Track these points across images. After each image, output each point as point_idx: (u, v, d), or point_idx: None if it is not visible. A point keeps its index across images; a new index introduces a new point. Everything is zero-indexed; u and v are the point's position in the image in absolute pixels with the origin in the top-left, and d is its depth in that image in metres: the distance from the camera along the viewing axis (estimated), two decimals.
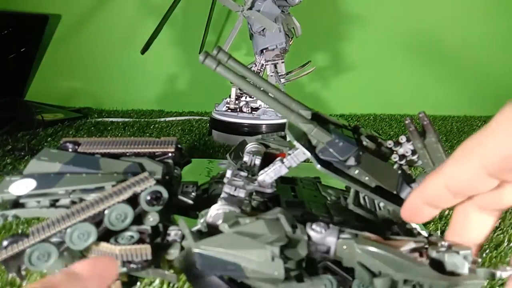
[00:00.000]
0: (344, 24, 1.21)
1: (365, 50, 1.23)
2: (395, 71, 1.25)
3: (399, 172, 0.31)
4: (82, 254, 0.31)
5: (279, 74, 0.89)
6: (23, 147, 0.78)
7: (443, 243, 0.25)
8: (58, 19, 1.17)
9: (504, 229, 0.57)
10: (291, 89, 0.80)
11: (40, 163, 0.34)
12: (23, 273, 0.30)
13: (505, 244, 0.53)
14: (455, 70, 1.25)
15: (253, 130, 0.89)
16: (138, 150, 0.37)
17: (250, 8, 0.84)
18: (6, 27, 1.06)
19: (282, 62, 0.89)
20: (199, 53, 0.36)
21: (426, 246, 0.25)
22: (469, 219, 0.25)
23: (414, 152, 0.31)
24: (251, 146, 0.42)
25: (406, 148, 0.31)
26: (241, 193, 0.32)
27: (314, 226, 0.27)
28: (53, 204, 0.33)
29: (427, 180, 0.25)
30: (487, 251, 0.51)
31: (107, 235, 0.31)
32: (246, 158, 0.39)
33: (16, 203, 0.32)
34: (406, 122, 0.29)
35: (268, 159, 0.38)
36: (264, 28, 0.84)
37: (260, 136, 0.44)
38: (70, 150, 0.36)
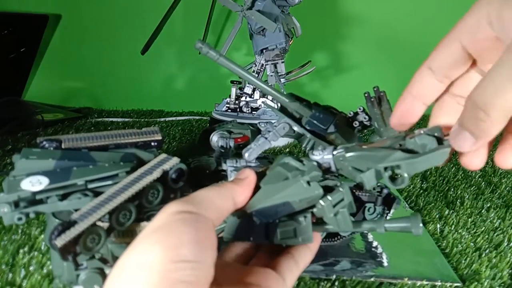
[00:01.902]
0: (343, 24, 1.21)
1: (365, 50, 1.23)
2: (395, 71, 1.25)
3: (358, 135, 0.39)
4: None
5: (279, 74, 0.89)
6: (23, 147, 0.78)
7: (415, 132, 0.29)
8: (58, 19, 1.17)
9: (504, 229, 0.57)
10: (291, 89, 0.80)
11: (31, 162, 0.33)
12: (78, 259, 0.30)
13: (505, 244, 0.53)
14: None
15: None
16: (126, 141, 0.37)
17: (250, 8, 0.84)
18: (6, 27, 1.06)
19: (282, 62, 0.89)
20: (200, 53, 0.37)
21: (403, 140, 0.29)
22: (444, 106, 0.29)
23: (369, 118, 0.38)
24: (218, 133, 0.48)
25: (362, 116, 0.39)
26: (243, 163, 0.39)
27: (314, 152, 0.33)
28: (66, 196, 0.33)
29: (414, 75, 0.28)
30: (487, 251, 0.51)
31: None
32: (221, 143, 0.46)
33: (34, 200, 0.32)
34: (366, 95, 0.36)
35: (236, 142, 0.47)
36: (264, 28, 0.84)
37: (217, 125, 0.51)
38: (52, 148, 0.35)
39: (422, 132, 0.28)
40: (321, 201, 0.30)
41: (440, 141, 0.27)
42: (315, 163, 0.32)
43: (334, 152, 0.32)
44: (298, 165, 0.32)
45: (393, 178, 0.28)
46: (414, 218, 0.29)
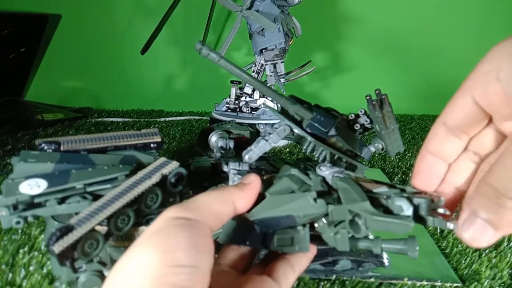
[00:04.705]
0: (344, 24, 1.21)
1: (364, 50, 1.23)
2: (396, 71, 1.25)
3: (359, 137, 0.39)
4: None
5: (278, 74, 0.89)
6: (23, 147, 0.78)
7: (408, 190, 0.28)
8: (58, 19, 1.17)
9: None
10: (291, 89, 0.80)
11: (30, 165, 0.33)
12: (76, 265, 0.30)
13: (505, 244, 0.53)
14: (455, 69, 1.25)
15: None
16: (125, 143, 0.37)
17: (249, 8, 0.84)
18: (6, 27, 1.06)
19: (282, 62, 0.89)
20: (200, 53, 0.37)
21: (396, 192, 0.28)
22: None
23: (371, 121, 0.38)
24: (217, 133, 0.48)
25: (364, 119, 0.38)
26: (245, 166, 0.38)
27: (321, 166, 0.33)
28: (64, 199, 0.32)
29: (430, 131, 0.27)
30: (487, 250, 0.51)
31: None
32: (222, 143, 0.46)
33: (32, 203, 0.31)
34: (367, 97, 0.36)
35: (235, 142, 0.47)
36: (263, 28, 0.84)
37: (216, 125, 0.51)
38: (50, 150, 0.35)
39: (410, 193, 0.27)
40: (323, 219, 0.30)
41: (417, 210, 0.26)
42: (321, 178, 0.32)
43: (335, 174, 0.32)
44: (304, 179, 0.32)
45: (353, 224, 0.28)
46: (411, 240, 0.29)
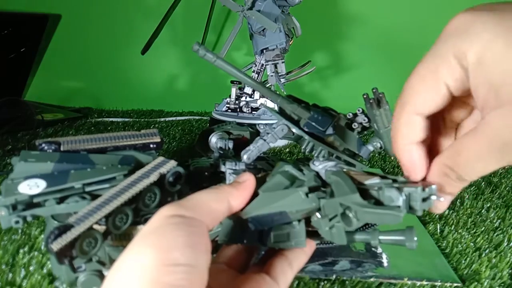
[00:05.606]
0: (344, 24, 1.21)
1: (365, 51, 1.23)
2: (395, 72, 1.25)
3: (358, 137, 0.39)
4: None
5: (279, 74, 0.89)
6: (23, 147, 0.78)
7: (399, 180, 0.28)
8: (58, 19, 1.17)
9: (504, 229, 0.57)
10: (291, 89, 0.80)
11: (30, 164, 0.33)
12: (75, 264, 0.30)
13: (505, 244, 0.53)
14: None
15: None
16: (125, 144, 0.37)
17: (251, 8, 0.84)
18: (6, 27, 1.06)
19: (283, 62, 0.89)
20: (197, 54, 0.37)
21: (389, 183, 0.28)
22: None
23: (369, 120, 0.37)
24: (217, 134, 0.49)
25: (362, 118, 0.38)
26: (242, 166, 0.39)
27: (315, 161, 0.33)
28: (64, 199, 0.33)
29: (396, 115, 0.27)
30: (487, 251, 0.51)
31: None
32: (221, 144, 0.46)
33: (31, 203, 0.31)
34: (364, 96, 0.36)
35: (235, 143, 0.47)
36: (264, 28, 0.84)
37: (216, 126, 0.51)
38: (50, 151, 0.35)
39: (401, 182, 0.27)
40: (317, 214, 0.30)
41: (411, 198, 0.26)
42: (314, 173, 0.32)
43: (328, 168, 0.32)
44: (298, 175, 0.32)
45: (344, 217, 0.27)
46: (409, 231, 0.28)
